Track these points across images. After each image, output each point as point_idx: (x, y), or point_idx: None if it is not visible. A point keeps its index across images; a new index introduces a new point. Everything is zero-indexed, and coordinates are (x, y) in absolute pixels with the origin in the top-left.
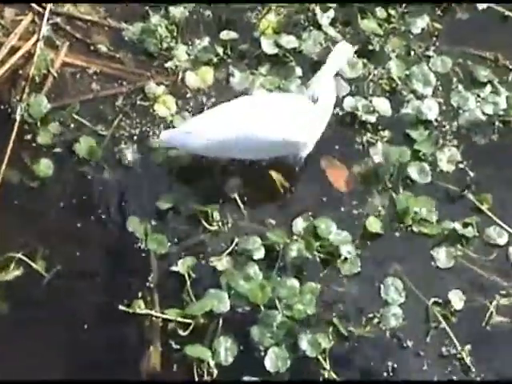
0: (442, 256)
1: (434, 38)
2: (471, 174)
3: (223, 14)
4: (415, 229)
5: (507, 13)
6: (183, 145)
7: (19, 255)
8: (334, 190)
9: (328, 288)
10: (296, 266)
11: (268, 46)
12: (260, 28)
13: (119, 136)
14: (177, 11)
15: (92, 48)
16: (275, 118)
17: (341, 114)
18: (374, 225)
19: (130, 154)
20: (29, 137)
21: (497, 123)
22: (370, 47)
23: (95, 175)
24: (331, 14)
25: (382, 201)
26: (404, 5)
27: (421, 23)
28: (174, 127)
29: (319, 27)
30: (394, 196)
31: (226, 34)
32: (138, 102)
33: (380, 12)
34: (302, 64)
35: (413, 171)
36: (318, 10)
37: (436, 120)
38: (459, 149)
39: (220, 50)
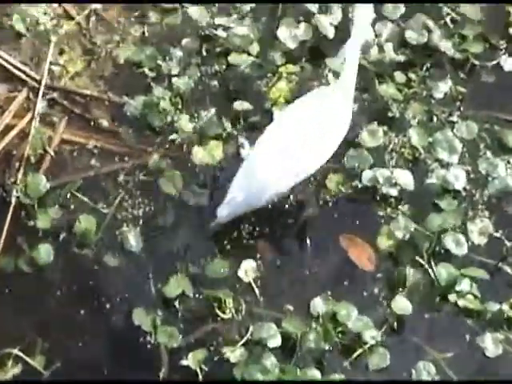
0: (485, 340)
1: (458, 103)
2: (507, 244)
3: (230, 83)
4: (458, 307)
5: None
6: (245, 208)
7: (16, 351)
8: (358, 269)
9: (353, 379)
10: (316, 356)
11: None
12: (271, 97)
13: (122, 217)
14: (181, 82)
15: (92, 123)
16: (305, 149)
17: (360, 186)
18: (402, 305)
19: (132, 236)
20: (26, 221)
21: None
22: (390, 114)
23: (97, 260)
24: None
25: (412, 277)
26: (425, 68)
27: (443, 87)
28: (182, 205)
29: None
30: (429, 271)
31: (235, 105)
32: (142, 178)
33: (399, 76)
34: None
35: (449, 242)
36: (331, 75)
37: (464, 189)
38: (491, 219)
39: (228, 122)
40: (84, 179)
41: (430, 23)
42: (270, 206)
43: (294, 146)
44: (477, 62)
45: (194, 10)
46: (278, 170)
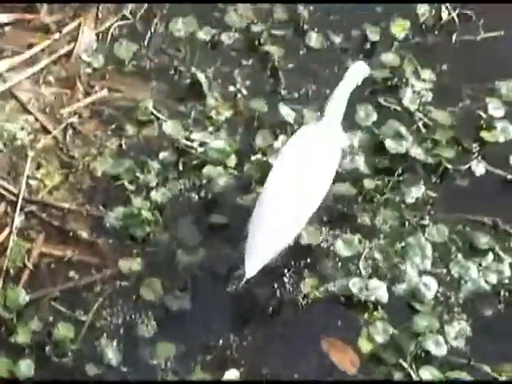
0: None
1: (429, 207)
2: (485, 345)
3: (208, 196)
4: None
5: (510, 176)
6: (269, 257)
7: None
8: (341, 373)
9: None
10: None
11: None
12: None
13: (101, 326)
14: (159, 194)
15: (70, 236)
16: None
17: (337, 292)
18: None
19: (111, 348)
20: (6, 336)
21: (502, 293)
22: (362, 221)
23: (77, 371)
24: None
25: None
26: (398, 174)
27: (416, 192)
28: (163, 311)
29: None
30: (412, 374)
31: (212, 218)
32: (121, 286)
33: (372, 184)
34: None
35: (429, 344)
36: None
37: (438, 292)
38: (468, 322)
39: (208, 233)
40: (63, 291)
41: (403, 129)
42: (248, 312)
43: (293, 192)
44: (450, 166)
45: (169, 125)
46: (285, 215)
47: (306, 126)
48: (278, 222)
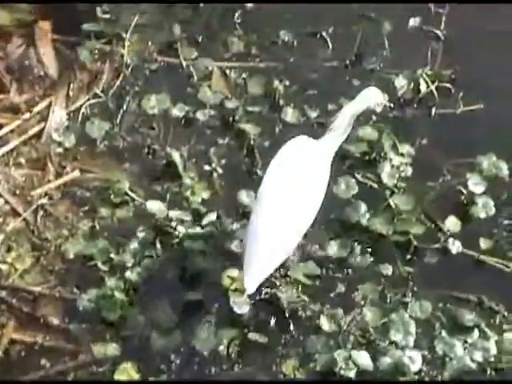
0: None
1: (411, 283)
2: None
3: (186, 274)
4: None
5: (482, 257)
6: (267, 272)
7: None
8: None
9: None
10: None
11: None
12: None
13: None
14: (134, 274)
15: (41, 321)
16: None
17: (318, 369)
18: None
19: None
20: None
21: (489, 371)
22: (340, 294)
23: None
24: None
25: None
26: (369, 251)
27: (390, 269)
28: None
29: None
30: None
31: (188, 295)
32: (97, 370)
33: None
34: None
35: None
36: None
37: (421, 371)
38: None
39: (184, 313)
40: (34, 380)
41: (374, 206)
42: None
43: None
44: (421, 245)
45: (146, 205)
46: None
47: (297, 139)
48: (270, 240)
